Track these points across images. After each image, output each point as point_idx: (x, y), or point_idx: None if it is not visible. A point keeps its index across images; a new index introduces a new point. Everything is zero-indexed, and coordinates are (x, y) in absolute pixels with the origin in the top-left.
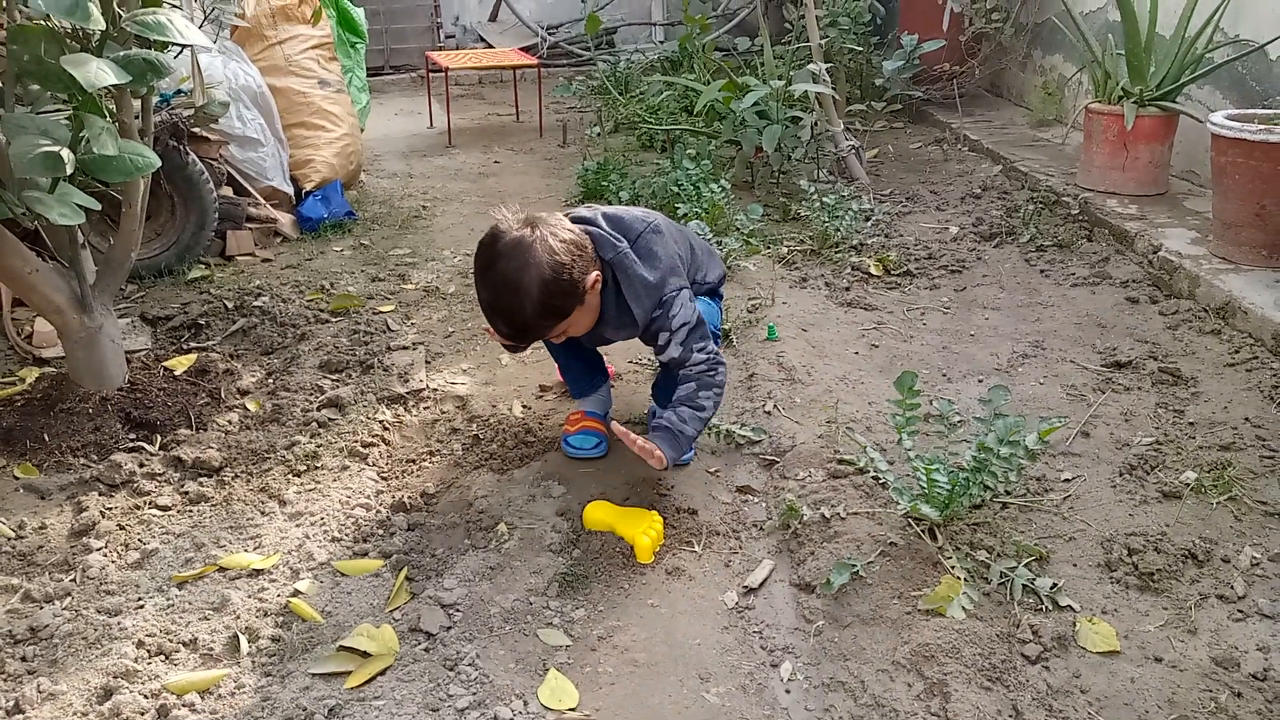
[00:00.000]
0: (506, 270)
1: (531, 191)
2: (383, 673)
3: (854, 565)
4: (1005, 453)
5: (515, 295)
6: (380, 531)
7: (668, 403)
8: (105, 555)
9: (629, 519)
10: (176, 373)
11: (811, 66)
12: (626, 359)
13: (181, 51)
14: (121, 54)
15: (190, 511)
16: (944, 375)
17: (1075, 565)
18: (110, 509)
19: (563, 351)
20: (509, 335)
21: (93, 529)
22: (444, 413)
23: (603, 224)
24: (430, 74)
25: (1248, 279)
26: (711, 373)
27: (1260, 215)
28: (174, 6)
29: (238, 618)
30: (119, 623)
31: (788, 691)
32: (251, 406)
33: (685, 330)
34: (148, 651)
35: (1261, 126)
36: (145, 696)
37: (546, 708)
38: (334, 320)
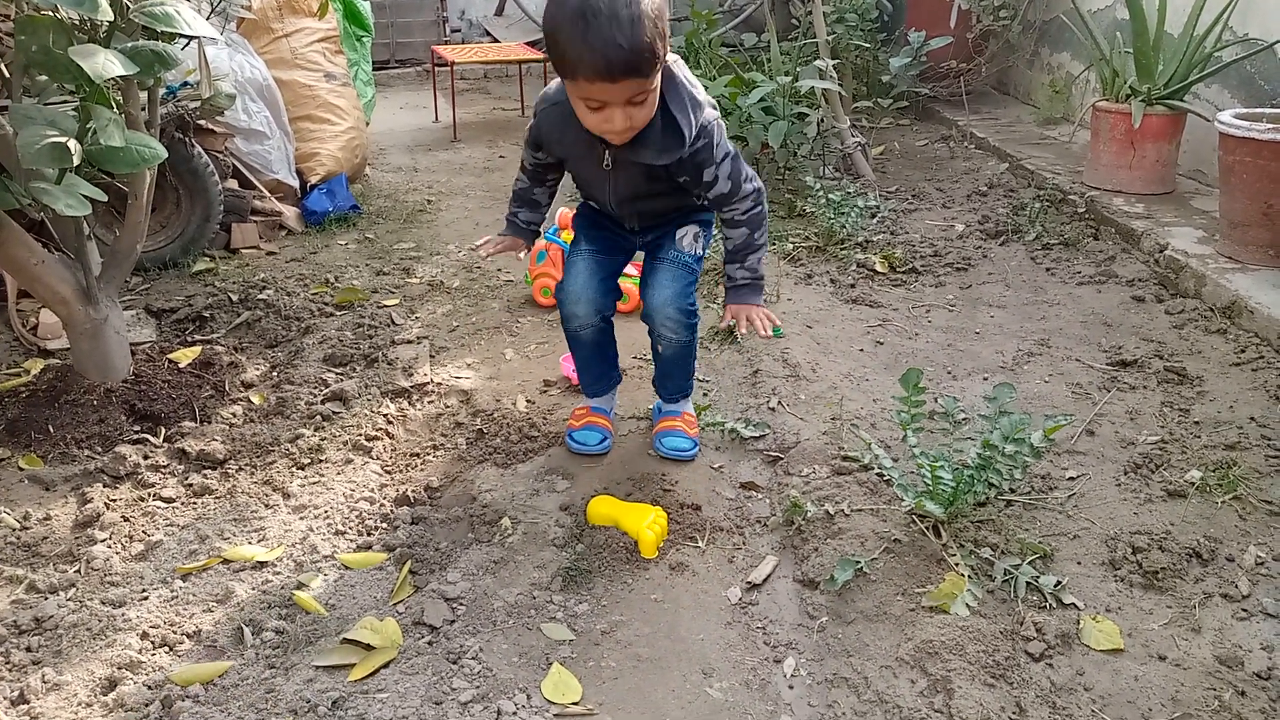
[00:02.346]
0: None
1: None
2: (386, 665)
3: (858, 562)
4: (1010, 450)
5: (634, 8)
6: (384, 525)
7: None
8: (109, 546)
9: (633, 514)
10: (181, 365)
11: (818, 63)
12: (631, 354)
13: (188, 43)
14: (129, 45)
15: (194, 504)
16: (949, 373)
17: (1079, 563)
18: (115, 500)
19: (587, 347)
20: (620, 54)
21: (97, 520)
22: (448, 407)
23: None
24: (436, 68)
25: (1254, 278)
26: (758, 209)
27: (1268, 214)
28: None
29: (241, 610)
30: (123, 614)
31: (791, 687)
32: (256, 399)
33: (729, 161)
34: (152, 643)
35: (1270, 126)
36: (149, 687)
37: (550, 701)
38: (338, 314)
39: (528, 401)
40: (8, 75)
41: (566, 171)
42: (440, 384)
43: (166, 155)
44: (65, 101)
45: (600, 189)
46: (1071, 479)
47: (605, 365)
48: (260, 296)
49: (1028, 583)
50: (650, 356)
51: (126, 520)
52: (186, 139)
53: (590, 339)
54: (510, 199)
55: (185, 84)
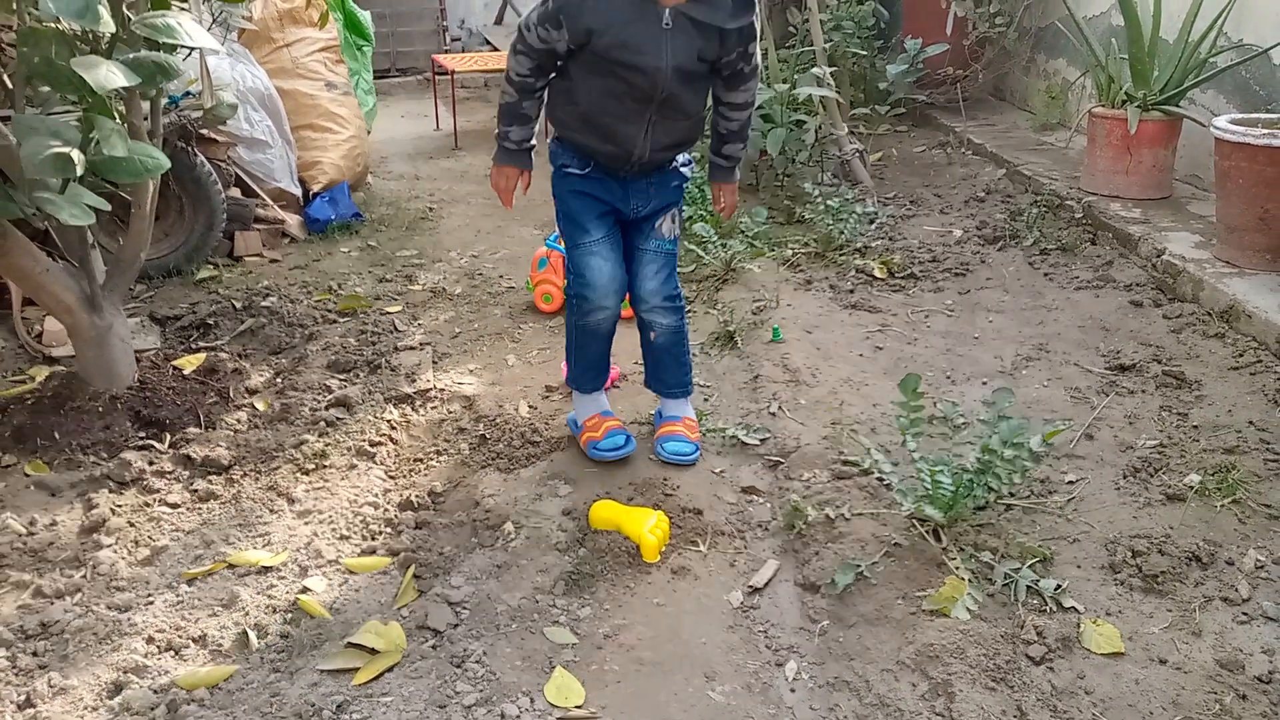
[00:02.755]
0: None
1: (536, 194)
2: (390, 669)
3: (858, 566)
4: (1009, 455)
5: None
6: (388, 530)
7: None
8: (115, 552)
9: (635, 518)
10: (185, 372)
11: (815, 70)
12: (631, 360)
13: (190, 54)
14: (131, 56)
15: (199, 509)
16: (948, 378)
17: (1079, 567)
18: (120, 506)
19: (603, 340)
20: None
21: (103, 526)
22: (451, 412)
23: None
24: (436, 76)
25: (1251, 283)
26: (756, 93)
27: (1264, 219)
28: (183, 9)
29: (247, 614)
30: (129, 619)
31: (793, 691)
32: (260, 405)
33: (757, 45)
34: (157, 647)
35: (1265, 131)
36: (155, 692)
37: (553, 705)
38: (341, 320)
39: (530, 407)
40: (11, 86)
41: (596, 53)
42: (443, 390)
43: (169, 164)
44: (68, 112)
45: (654, 54)
46: (1071, 483)
47: (608, 354)
48: (264, 304)
49: (1028, 586)
50: None
51: (132, 526)
52: (189, 148)
53: (609, 330)
54: (499, 119)
55: (187, 94)
